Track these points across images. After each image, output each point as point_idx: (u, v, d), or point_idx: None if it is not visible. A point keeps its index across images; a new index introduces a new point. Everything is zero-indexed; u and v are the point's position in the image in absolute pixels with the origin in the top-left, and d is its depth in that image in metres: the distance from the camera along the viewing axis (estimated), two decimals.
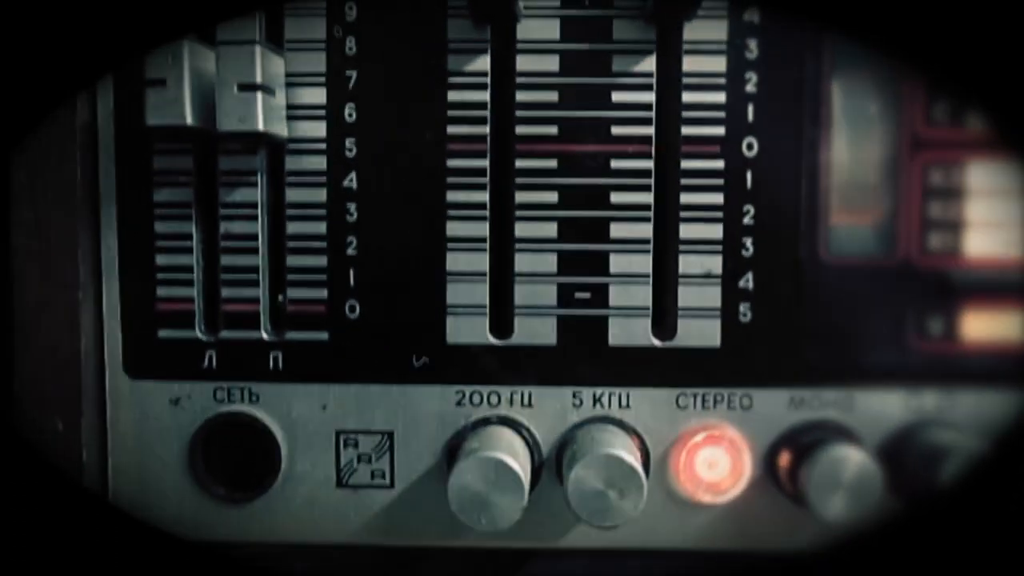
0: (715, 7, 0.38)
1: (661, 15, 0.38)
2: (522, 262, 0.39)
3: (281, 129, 0.38)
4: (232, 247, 0.40)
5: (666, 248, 0.39)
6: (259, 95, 0.36)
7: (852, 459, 0.36)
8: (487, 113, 0.39)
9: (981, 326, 0.39)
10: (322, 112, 0.39)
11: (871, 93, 0.39)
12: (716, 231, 0.39)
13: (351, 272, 0.39)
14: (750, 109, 0.38)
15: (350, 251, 0.39)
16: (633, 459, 0.35)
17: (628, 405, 0.40)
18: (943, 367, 0.39)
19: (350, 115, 0.39)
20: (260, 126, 0.36)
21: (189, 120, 0.36)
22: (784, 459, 0.39)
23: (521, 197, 0.39)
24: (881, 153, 0.39)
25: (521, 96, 0.39)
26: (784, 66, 0.38)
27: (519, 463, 0.36)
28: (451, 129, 0.39)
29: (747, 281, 0.39)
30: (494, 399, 0.40)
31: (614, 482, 0.35)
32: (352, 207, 0.39)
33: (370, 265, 0.39)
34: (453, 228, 0.39)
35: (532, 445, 0.39)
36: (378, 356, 0.40)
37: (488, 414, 0.40)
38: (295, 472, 0.40)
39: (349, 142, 0.39)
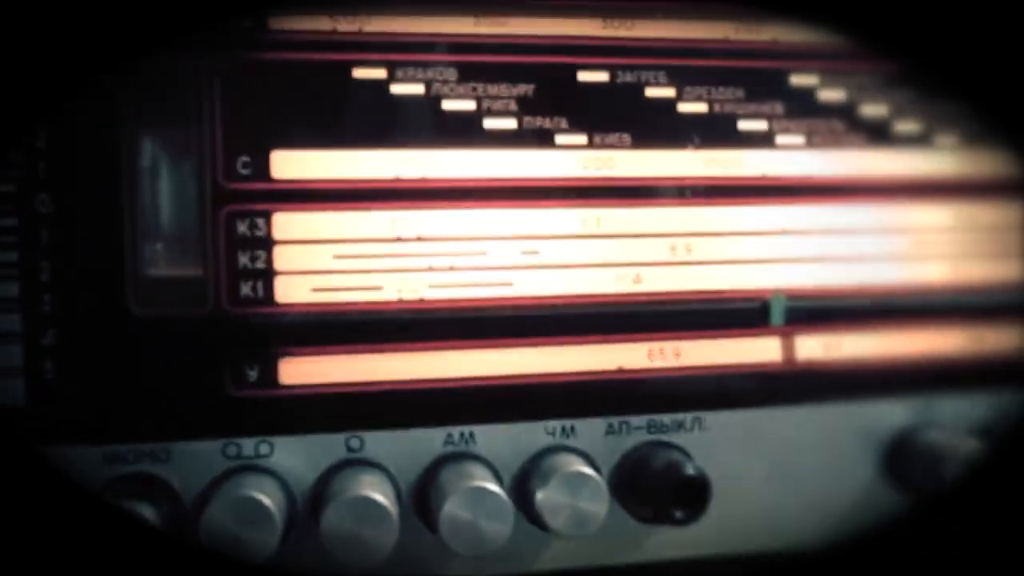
0: None
1: None
2: None
3: None
4: None
5: None
6: None
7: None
8: None
9: (298, 371, 0.40)
10: None
11: (176, 147, 0.40)
12: (13, 289, 0.38)
13: None
14: (42, 165, 0.38)
15: None
16: None
17: None
18: (262, 414, 0.40)
19: None
20: None
21: None
22: None
23: None
24: (189, 206, 0.40)
25: None
26: (86, 124, 0.38)
27: None
28: None
29: (50, 338, 0.39)
30: None
31: None
32: None
33: None
34: None
35: None
36: None
37: None
38: None
39: None
